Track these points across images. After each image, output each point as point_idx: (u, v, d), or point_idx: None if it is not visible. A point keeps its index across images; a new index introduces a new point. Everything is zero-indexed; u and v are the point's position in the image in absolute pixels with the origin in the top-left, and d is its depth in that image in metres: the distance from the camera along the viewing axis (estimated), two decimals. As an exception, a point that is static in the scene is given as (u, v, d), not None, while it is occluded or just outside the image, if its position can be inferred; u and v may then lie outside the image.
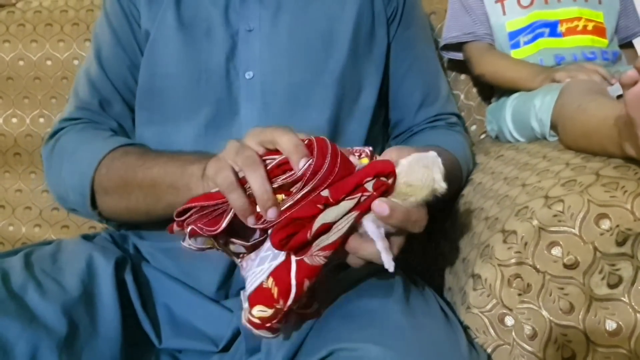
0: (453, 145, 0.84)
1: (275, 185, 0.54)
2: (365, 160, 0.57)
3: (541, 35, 1.08)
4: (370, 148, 0.59)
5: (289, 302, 0.52)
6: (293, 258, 0.53)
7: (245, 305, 0.55)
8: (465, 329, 0.62)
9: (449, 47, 1.15)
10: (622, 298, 0.56)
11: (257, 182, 0.53)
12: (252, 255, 0.58)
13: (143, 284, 0.75)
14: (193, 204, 0.56)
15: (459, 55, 1.15)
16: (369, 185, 0.52)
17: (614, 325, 0.56)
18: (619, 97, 0.77)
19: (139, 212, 0.73)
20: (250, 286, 0.55)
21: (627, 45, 1.20)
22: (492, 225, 0.65)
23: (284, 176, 0.54)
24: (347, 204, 0.51)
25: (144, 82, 0.79)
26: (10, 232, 1.22)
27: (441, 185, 0.52)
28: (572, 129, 0.75)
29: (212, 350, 0.71)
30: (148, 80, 0.79)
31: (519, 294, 0.59)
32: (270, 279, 0.53)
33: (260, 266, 0.55)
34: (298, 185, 0.53)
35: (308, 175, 0.52)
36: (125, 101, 0.83)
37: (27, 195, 1.23)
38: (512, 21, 1.10)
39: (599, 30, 1.09)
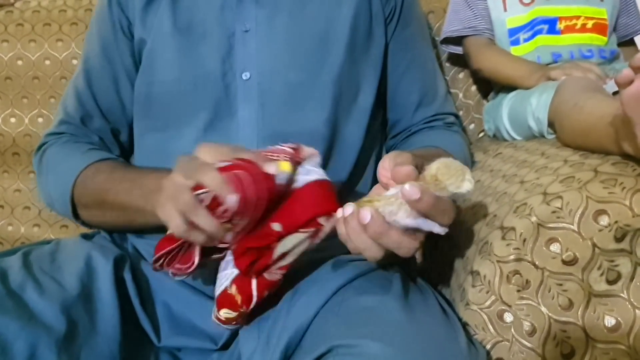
0: (451, 145, 0.84)
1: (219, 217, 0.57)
2: (285, 165, 0.58)
3: (540, 32, 1.08)
4: (294, 145, 0.61)
5: (251, 306, 0.60)
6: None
7: (214, 305, 0.63)
8: (464, 325, 0.62)
9: (449, 40, 1.16)
10: (621, 294, 0.56)
11: (203, 223, 0.56)
12: (228, 256, 0.63)
13: (142, 282, 0.75)
14: (161, 253, 0.62)
15: (458, 49, 1.16)
16: (322, 220, 0.57)
17: (613, 321, 0.56)
18: (615, 93, 0.77)
19: (117, 226, 0.79)
20: (218, 289, 0.62)
21: (626, 43, 1.20)
22: (490, 222, 0.65)
23: (222, 207, 0.56)
24: (302, 235, 0.57)
25: (142, 90, 0.80)
26: (10, 232, 1.22)
27: (470, 181, 0.54)
28: (569, 128, 0.75)
29: (211, 348, 0.71)
30: (147, 88, 0.79)
31: (518, 290, 0.59)
32: (234, 287, 0.60)
33: (224, 271, 0.62)
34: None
35: (241, 207, 0.55)
36: (105, 116, 0.85)
37: (26, 195, 1.23)
38: (512, 18, 1.10)
39: (599, 28, 1.09)
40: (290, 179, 0.58)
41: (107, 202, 0.74)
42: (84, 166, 0.77)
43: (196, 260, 0.61)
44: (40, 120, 1.21)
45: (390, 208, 0.54)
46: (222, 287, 0.61)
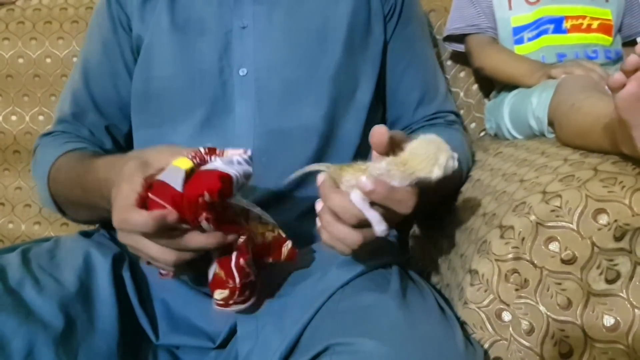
0: (453, 143, 0.84)
1: None
2: (182, 162, 0.58)
3: (545, 32, 1.07)
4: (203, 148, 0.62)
5: (237, 280, 0.62)
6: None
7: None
8: (462, 324, 0.61)
9: (452, 38, 1.15)
10: (620, 293, 0.56)
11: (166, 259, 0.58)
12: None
13: (140, 280, 0.75)
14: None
15: (460, 47, 1.15)
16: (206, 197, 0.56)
17: (612, 321, 0.56)
18: None
19: (100, 220, 0.79)
20: (209, 280, 0.64)
21: (629, 44, 1.19)
22: (489, 220, 0.65)
23: None
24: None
25: (139, 86, 0.80)
26: (10, 230, 1.22)
27: (441, 166, 0.55)
28: (567, 128, 0.75)
29: (209, 346, 0.71)
30: (143, 84, 0.80)
31: (516, 289, 0.59)
32: (217, 266, 0.63)
33: (211, 266, 0.64)
34: None
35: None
36: (99, 110, 0.85)
37: (27, 192, 1.23)
38: (517, 16, 1.10)
39: (605, 28, 1.09)
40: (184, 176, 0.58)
41: (77, 202, 0.76)
42: (50, 164, 0.77)
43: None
44: (41, 118, 1.21)
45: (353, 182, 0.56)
46: (212, 273, 0.63)
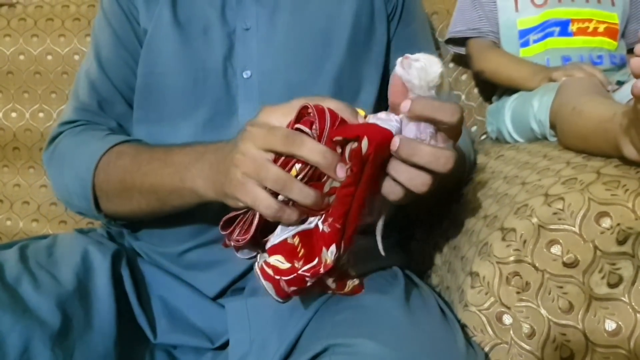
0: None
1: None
2: (360, 110, 0.56)
3: (551, 34, 1.07)
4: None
5: (307, 267, 0.52)
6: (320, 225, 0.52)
7: (264, 255, 0.55)
8: (463, 327, 0.61)
9: (454, 41, 1.15)
10: (622, 298, 0.55)
11: (301, 197, 0.52)
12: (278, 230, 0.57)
13: (139, 278, 0.74)
14: (226, 230, 0.57)
15: (462, 50, 1.16)
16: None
17: (614, 325, 0.55)
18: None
19: (144, 214, 0.72)
20: (274, 240, 0.55)
21: (633, 50, 1.19)
22: (491, 223, 0.65)
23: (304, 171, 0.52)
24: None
25: (141, 80, 0.79)
26: (8, 227, 1.22)
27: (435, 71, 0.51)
28: (569, 132, 0.75)
29: (208, 346, 0.71)
30: (145, 78, 0.78)
31: (518, 292, 0.58)
32: (297, 238, 0.53)
33: (285, 232, 0.55)
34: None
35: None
36: (127, 101, 0.82)
37: (26, 189, 1.22)
38: (524, 19, 1.10)
39: (610, 32, 1.09)
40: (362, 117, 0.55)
41: (134, 186, 0.69)
42: (104, 151, 0.72)
43: (252, 231, 0.55)
44: (41, 115, 1.21)
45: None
46: (280, 239, 0.54)
